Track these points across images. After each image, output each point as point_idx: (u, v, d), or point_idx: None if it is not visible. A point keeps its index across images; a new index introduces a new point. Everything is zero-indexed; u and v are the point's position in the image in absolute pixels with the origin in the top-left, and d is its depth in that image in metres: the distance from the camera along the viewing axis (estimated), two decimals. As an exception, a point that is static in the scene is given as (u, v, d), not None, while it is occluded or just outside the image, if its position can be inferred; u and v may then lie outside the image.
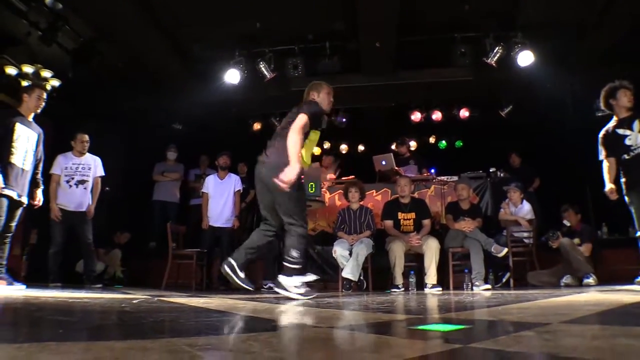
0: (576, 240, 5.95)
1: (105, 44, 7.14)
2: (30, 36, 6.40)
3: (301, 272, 3.95)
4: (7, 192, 4.55)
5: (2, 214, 4.52)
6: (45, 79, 7.07)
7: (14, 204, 4.70)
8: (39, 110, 4.94)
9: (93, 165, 6.39)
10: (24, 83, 6.86)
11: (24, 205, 4.89)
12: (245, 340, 1.61)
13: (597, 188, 8.54)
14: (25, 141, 4.80)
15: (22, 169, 4.75)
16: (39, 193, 5.07)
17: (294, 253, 3.90)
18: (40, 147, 5.06)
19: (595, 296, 3.61)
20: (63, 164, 6.22)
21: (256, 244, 4.14)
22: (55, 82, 7.17)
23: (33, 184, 5.01)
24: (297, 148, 3.79)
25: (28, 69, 6.92)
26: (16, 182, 4.66)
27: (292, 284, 3.89)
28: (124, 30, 6.95)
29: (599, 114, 8.47)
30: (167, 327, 2.02)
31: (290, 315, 2.61)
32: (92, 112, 8.08)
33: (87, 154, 6.39)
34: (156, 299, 3.83)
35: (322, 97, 4.22)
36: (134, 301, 3.39)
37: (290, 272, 3.90)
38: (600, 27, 6.81)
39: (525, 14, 6.75)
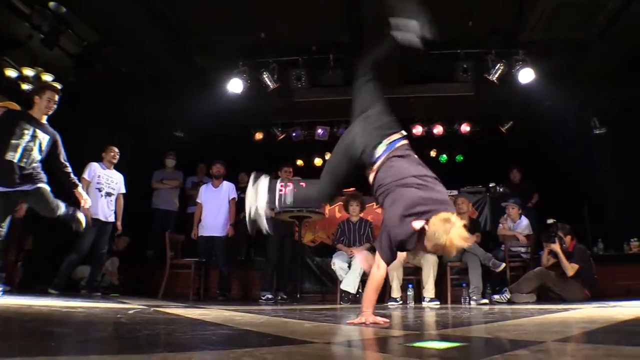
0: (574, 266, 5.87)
1: (109, 48, 7.12)
2: (32, 39, 6.34)
3: None
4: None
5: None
6: (46, 83, 7.04)
7: None
8: (50, 112, 4.80)
9: (119, 181, 6.48)
10: (24, 86, 6.86)
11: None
12: (240, 357, 1.59)
13: (595, 204, 8.66)
14: (28, 139, 4.55)
15: (19, 165, 4.45)
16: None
17: None
18: (59, 150, 4.84)
19: (589, 313, 3.63)
20: (95, 172, 6.27)
21: None
22: (57, 86, 7.14)
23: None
24: None
25: (28, 71, 6.89)
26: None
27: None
28: (128, 35, 6.92)
29: (597, 132, 8.58)
30: (163, 341, 2.00)
31: (286, 329, 2.58)
32: (93, 117, 8.05)
33: (114, 169, 6.43)
34: (152, 309, 3.81)
35: None
36: (130, 312, 3.37)
37: None
38: (601, 46, 6.83)
39: (527, 32, 6.76)
